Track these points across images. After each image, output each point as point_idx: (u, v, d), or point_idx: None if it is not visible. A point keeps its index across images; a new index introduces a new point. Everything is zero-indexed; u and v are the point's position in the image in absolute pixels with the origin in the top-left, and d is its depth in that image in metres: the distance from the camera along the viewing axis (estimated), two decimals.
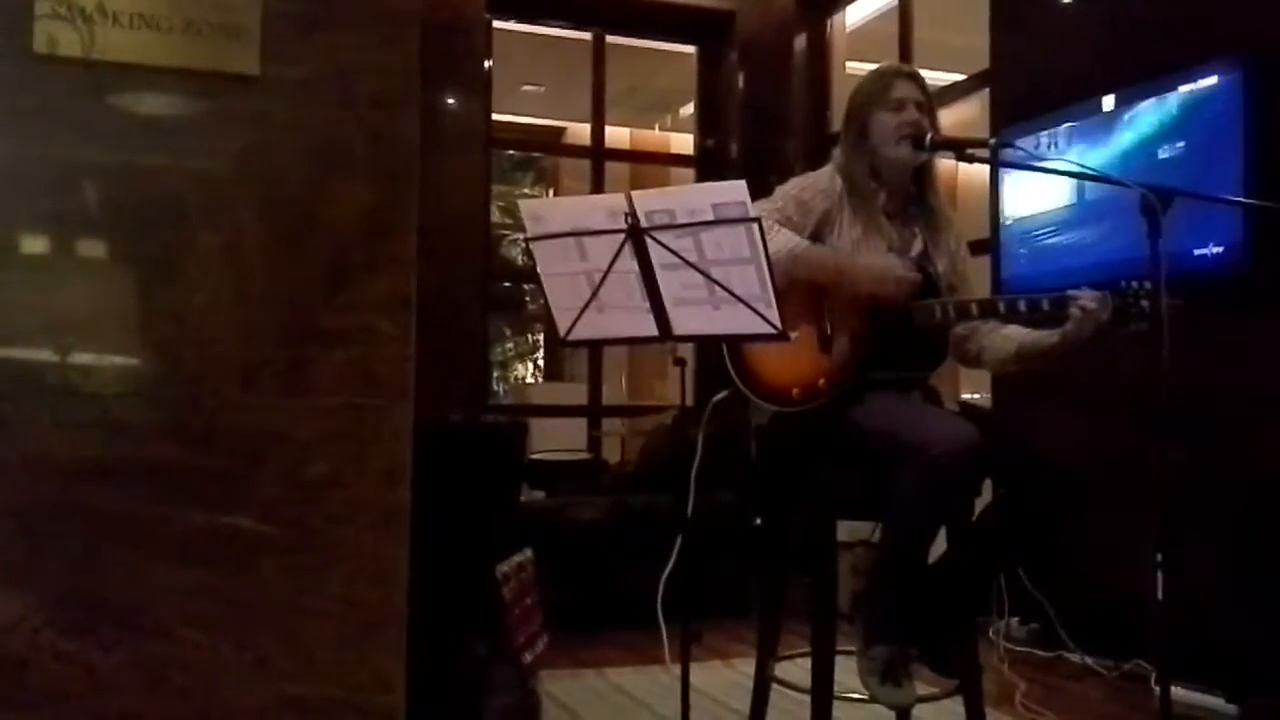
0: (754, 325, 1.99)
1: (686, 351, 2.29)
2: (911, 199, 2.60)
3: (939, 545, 2.41)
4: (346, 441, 2.16)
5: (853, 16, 6.09)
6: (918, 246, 2.57)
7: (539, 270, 2.10)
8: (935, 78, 4.89)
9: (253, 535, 2.10)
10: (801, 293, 2.44)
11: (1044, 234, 4.01)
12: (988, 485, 2.50)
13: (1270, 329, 3.28)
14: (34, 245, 2.07)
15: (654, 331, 2.08)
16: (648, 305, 2.05)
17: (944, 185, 2.80)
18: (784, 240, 2.37)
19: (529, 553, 3.02)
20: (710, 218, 1.92)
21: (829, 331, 2.48)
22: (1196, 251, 3.33)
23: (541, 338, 11.12)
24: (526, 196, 9.87)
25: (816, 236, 2.50)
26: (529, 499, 4.76)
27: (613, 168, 6.67)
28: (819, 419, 2.43)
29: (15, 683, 1.98)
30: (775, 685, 2.64)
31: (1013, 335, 2.52)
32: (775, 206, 2.47)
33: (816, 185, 2.55)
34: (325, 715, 2.13)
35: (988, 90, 4.61)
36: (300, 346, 2.15)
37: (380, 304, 2.19)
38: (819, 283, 2.48)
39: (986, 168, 4.36)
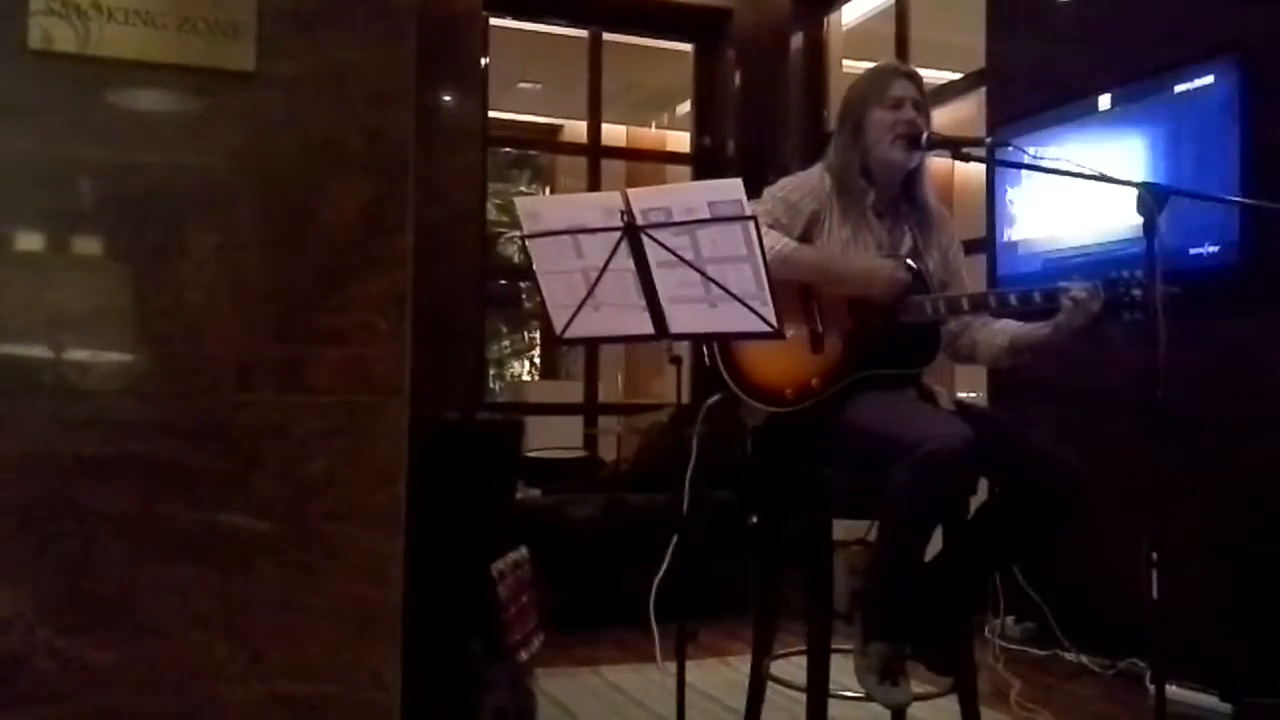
0: (750, 323, 1.99)
1: (683, 349, 2.29)
2: (901, 197, 2.60)
3: (936, 543, 2.41)
4: (342, 439, 2.15)
5: (849, 15, 6.09)
6: (908, 244, 2.57)
7: (535, 268, 2.10)
8: (932, 76, 4.91)
9: (248, 533, 2.10)
10: (792, 293, 2.43)
11: (1042, 233, 4.02)
12: (984, 484, 2.50)
13: (1266, 327, 3.29)
14: (29, 242, 2.07)
15: (650, 329, 2.08)
16: (644, 303, 2.05)
17: (940, 184, 2.80)
18: (771, 243, 2.36)
19: (525, 550, 3.01)
20: (706, 216, 1.92)
21: (820, 331, 2.48)
22: (1192, 251, 3.33)
23: (538, 335, 11.12)
24: (523, 194, 9.87)
25: (805, 237, 2.50)
26: (525, 496, 4.76)
27: (609, 165, 6.67)
28: (812, 418, 2.43)
29: (10, 680, 1.97)
30: (771, 683, 2.64)
31: (1005, 329, 2.52)
32: (764, 209, 2.44)
33: (805, 185, 2.54)
34: (320, 713, 2.12)
35: (984, 89, 4.61)
36: (296, 344, 2.15)
37: (376, 301, 2.18)
38: (807, 284, 2.47)
39: (983, 167, 4.36)
